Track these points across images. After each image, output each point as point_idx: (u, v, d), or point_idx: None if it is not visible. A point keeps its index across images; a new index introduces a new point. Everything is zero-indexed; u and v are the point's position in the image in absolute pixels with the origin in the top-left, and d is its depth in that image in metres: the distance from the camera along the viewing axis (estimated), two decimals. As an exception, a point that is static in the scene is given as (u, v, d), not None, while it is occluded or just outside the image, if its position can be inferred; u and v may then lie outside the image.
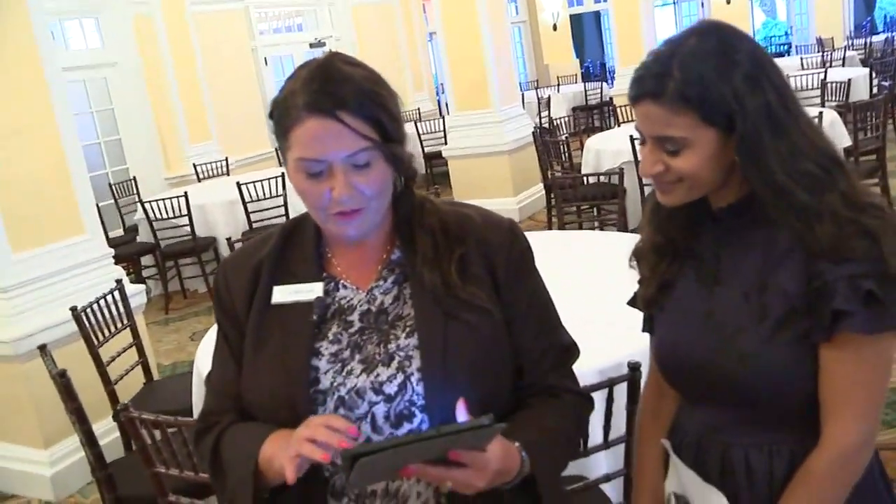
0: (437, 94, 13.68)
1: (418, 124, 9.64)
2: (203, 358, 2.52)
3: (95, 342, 3.11)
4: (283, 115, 1.11)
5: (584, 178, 5.09)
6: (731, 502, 1.18)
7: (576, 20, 17.52)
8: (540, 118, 10.52)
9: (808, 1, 15.92)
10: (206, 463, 1.23)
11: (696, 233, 1.25)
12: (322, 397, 1.14)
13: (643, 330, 1.37)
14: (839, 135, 5.61)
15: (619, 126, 8.19)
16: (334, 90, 1.08)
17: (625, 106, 7.81)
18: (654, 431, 1.37)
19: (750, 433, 1.20)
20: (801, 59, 11.24)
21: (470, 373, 1.13)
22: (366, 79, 1.12)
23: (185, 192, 6.18)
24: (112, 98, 8.33)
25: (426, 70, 13.31)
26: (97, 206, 4.46)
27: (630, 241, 1.39)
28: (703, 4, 18.61)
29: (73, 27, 8.41)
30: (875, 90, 9.09)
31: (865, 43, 13.72)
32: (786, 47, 16.25)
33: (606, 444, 1.76)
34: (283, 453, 1.05)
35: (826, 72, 8.68)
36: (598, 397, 1.71)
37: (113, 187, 7.58)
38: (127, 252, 6.42)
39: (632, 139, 5.35)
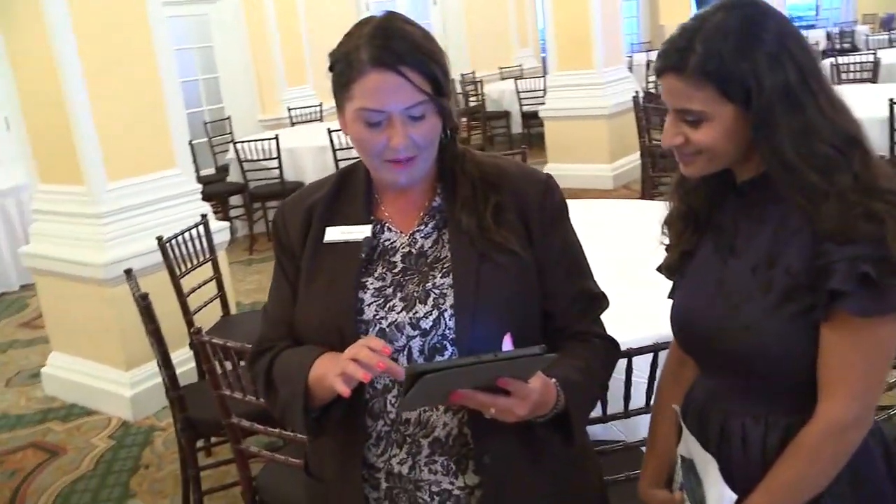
0: (543, 51, 13.36)
1: (518, 82, 9.44)
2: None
3: (178, 272, 3.20)
4: (346, 68, 1.19)
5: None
6: (727, 469, 1.22)
7: (698, -20, 16.75)
8: (647, 82, 10.15)
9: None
10: (260, 382, 1.34)
11: (719, 204, 1.29)
12: (365, 327, 1.25)
13: (668, 296, 1.40)
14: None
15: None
16: (396, 46, 1.17)
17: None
18: (670, 396, 1.42)
19: (748, 403, 1.24)
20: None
21: (499, 311, 1.21)
22: (423, 37, 1.21)
23: (277, 136, 6.26)
24: (212, 35, 8.46)
25: (532, 26, 12.98)
26: (191, 143, 4.56)
27: None
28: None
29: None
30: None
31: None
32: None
33: (648, 409, 1.77)
34: (332, 372, 1.14)
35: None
36: (644, 362, 1.77)
37: (207, 126, 7.75)
38: (216, 191, 6.57)
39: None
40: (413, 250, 1.30)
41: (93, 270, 3.62)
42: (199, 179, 5.58)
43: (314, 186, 1.40)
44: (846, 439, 1.15)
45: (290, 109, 8.31)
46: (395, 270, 1.28)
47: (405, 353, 1.23)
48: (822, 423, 1.14)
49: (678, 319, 1.33)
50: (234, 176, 6.78)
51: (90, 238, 3.66)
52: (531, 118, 8.84)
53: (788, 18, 1.19)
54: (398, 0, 10.99)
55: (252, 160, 6.35)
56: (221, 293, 3.53)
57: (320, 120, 8.24)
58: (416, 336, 1.23)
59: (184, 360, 3.50)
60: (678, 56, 1.16)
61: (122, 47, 3.68)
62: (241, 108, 8.51)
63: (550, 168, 7.46)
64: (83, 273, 3.68)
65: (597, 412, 1.77)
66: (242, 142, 6.47)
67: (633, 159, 7.04)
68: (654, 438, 1.45)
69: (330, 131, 6.15)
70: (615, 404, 1.81)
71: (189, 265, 3.31)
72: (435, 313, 1.23)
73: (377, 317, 1.25)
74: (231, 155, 6.69)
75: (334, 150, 6.14)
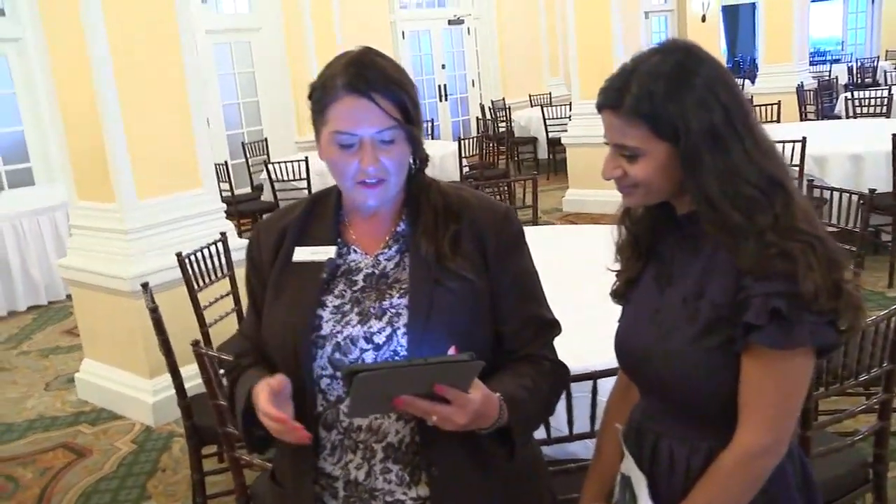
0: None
1: (545, 109, 9.63)
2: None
3: (196, 287, 3.40)
4: (323, 94, 1.28)
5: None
6: (656, 487, 1.27)
7: (731, 12, 16.83)
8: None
9: None
10: (227, 399, 1.45)
11: (661, 235, 1.34)
12: (322, 341, 1.31)
13: (618, 321, 1.44)
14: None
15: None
16: (369, 75, 1.26)
17: (766, 105, 7.51)
18: (615, 416, 1.46)
19: (676, 427, 1.29)
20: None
21: (449, 332, 1.26)
22: (394, 69, 1.30)
23: (306, 158, 6.52)
24: (254, 61, 8.84)
25: (564, 55, 13.10)
26: (228, 163, 4.81)
27: None
28: (873, 0, 17.45)
29: (226, -8, 8.96)
30: None
31: None
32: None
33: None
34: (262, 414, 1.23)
35: None
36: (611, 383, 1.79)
37: (245, 146, 8.06)
38: (249, 209, 6.85)
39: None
40: (376, 271, 1.36)
41: (120, 283, 3.86)
42: (235, 198, 5.87)
43: (288, 208, 1.47)
44: (757, 466, 1.19)
45: (324, 132, 8.57)
46: (355, 288, 1.34)
47: (359, 364, 1.28)
48: (737, 450, 1.19)
49: (618, 344, 1.39)
50: (267, 195, 7.06)
51: (119, 252, 3.91)
52: (557, 144, 9.02)
53: (721, 64, 1.24)
54: (433, 29, 11.28)
55: (283, 181, 6.60)
56: (238, 308, 3.72)
57: (353, 143, 8.47)
58: (369, 349, 1.29)
59: (198, 372, 3.69)
60: (615, 95, 1.22)
61: (155, 75, 3.94)
62: (279, 130, 8.85)
63: (572, 193, 7.62)
64: (112, 285, 3.92)
65: (565, 430, 1.86)
66: (275, 163, 6.73)
67: (652, 186, 7.15)
68: (598, 456, 1.51)
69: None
70: (583, 424, 1.87)
71: (208, 280, 3.50)
72: (388, 329, 1.29)
73: (334, 331, 1.30)
74: (265, 175, 6.96)
75: (361, 173, 6.36)
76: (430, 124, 9.97)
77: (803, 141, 5.01)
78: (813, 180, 4.47)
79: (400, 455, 1.30)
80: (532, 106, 11.23)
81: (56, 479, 3.51)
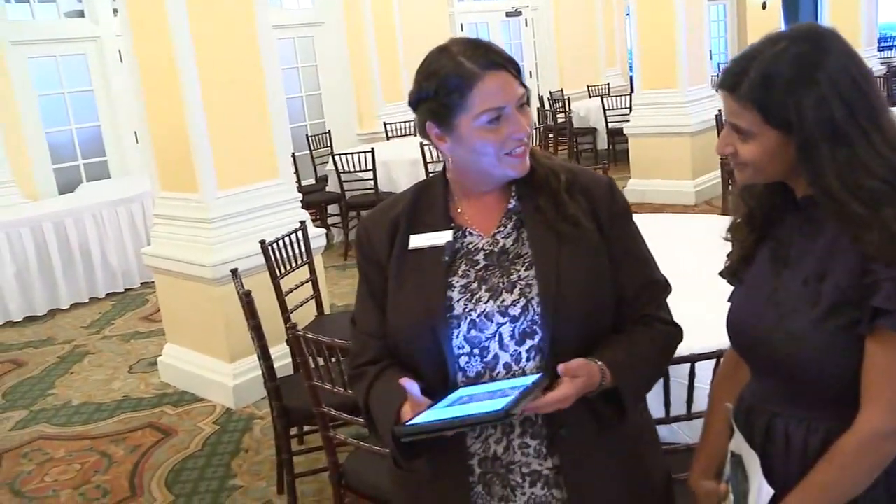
0: (630, 70, 13.45)
1: (605, 99, 9.60)
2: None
3: (278, 274, 3.52)
4: (461, 82, 1.31)
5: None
6: (769, 466, 1.27)
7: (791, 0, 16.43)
8: (733, 101, 10.11)
9: None
10: (361, 407, 1.44)
11: (780, 216, 1.35)
12: (456, 321, 1.34)
13: (728, 300, 1.45)
14: None
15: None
16: (494, 49, 1.34)
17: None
18: (724, 395, 1.47)
19: (793, 406, 1.29)
20: None
21: (579, 292, 1.32)
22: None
23: (372, 149, 6.62)
24: (316, 56, 9.00)
25: (621, 46, 13.09)
26: (294, 155, 4.94)
27: None
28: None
29: (289, -12, 9.13)
30: None
31: None
32: None
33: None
34: None
35: None
36: (708, 367, 1.86)
37: (309, 139, 8.22)
38: (316, 199, 6.99)
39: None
40: (495, 249, 1.39)
41: (202, 270, 4.01)
42: (300, 189, 5.99)
43: (393, 201, 1.49)
44: (883, 449, 1.18)
45: (385, 124, 8.70)
46: (478, 268, 1.37)
47: (496, 338, 1.32)
48: (860, 432, 1.18)
49: (732, 324, 1.39)
50: (332, 186, 7.19)
51: (201, 241, 4.06)
52: (616, 135, 9.02)
53: (852, 54, 1.22)
54: (491, 22, 11.30)
55: (349, 171, 6.73)
56: (316, 294, 3.85)
57: (414, 134, 8.54)
58: (505, 322, 1.32)
59: (280, 356, 3.79)
60: (733, 77, 1.23)
61: (235, 69, 4.08)
62: (341, 123, 8.99)
63: (634, 183, 7.60)
64: (194, 272, 4.08)
65: (660, 413, 1.88)
66: (341, 154, 6.86)
67: (715, 176, 7.09)
68: (707, 434, 1.51)
69: (422, 145, 6.46)
70: (679, 407, 1.92)
71: (288, 268, 3.62)
72: (522, 301, 1.32)
73: (466, 310, 1.34)
74: (330, 166, 7.09)
75: (426, 163, 6.45)
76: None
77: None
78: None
79: (537, 428, 1.35)
80: (590, 97, 11.20)
81: (146, 456, 3.68)
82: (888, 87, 9.03)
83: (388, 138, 8.58)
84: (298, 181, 7.01)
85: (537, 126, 10.23)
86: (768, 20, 15.72)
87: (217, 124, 4.01)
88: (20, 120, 7.04)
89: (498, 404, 1.15)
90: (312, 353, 2.25)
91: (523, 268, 1.36)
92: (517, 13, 11.73)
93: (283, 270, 3.58)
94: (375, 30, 8.98)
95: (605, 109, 9.44)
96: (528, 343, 1.32)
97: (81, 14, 7.70)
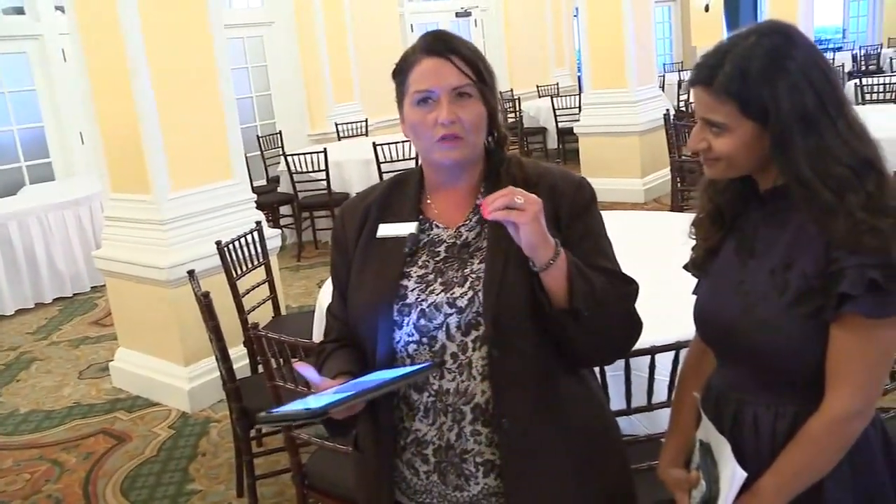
0: (579, 70, 13.64)
1: (554, 99, 9.71)
2: (325, 298, 2.82)
3: (234, 275, 3.49)
4: (404, 65, 1.41)
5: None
6: (739, 452, 1.31)
7: (732, 2, 16.85)
8: (678, 101, 10.34)
9: None
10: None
11: (744, 209, 1.39)
12: (408, 310, 1.39)
13: (693, 292, 1.50)
14: None
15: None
16: (444, 38, 1.40)
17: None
18: (691, 384, 1.51)
19: (761, 393, 1.34)
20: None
21: (522, 287, 1.32)
22: (469, 42, 1.44)
23: (325, 149, 6.59)
24: (266, 56, 8.92)
25: (569, 46, 13.27)
26: (245, 156, 4.88)
27: None
28: (874, -10, 17.52)
29: (237, -13, 9.03)
30: None
31: None
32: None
33: (670, 403, 1.86)
34: None
35: None
36: (667, 359, 1.91)
37: (260, 140, 8.14)
38: (267, 201, 6.92)
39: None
40: (457, 242, 1.43)
41: (156, 272, 3.95)
42: (252, 190, 5.94)
43: (370, 190, 1.56)
44: (849, 429, 1.23)
45: (337, 125, 8.66)
46: (438, 259, 1.42)
47: (443, 328, 1.36)
48: (828, 415, 1.23)
49: (700, 314, 1.42)
50: (284, 187, 7.13)
51: (154, 243, 3.99)
52: (567, 134, 9.13)
53: (816, 48, 1.27)
54: (441, 22, 11.34)
55: (301, 172, 6.68)
56: (273, 295, 3.82)
57: (366, 135, 8.58)
58: (452, 313, 1.36)
59: (237, 357, 3.74)
60: (708, 71, 1.26)
61: (188, 69, 4.03)
62: (292, 124, 8.91)
63: (586, 182, 7.68)
64: (148, 275, 4.01)
65: (621, 405, 1.93)
66: (293, 155, 6.81)
67: (664, 174, 7.28)
68: (675, 423, 1.53)
69: (375, 145, 6.46)
70: (639, 398, 1.97)
71: (244, 268, 3.59)
72: (470, 293, 1.36)
73: (419, 299, 1.38)
74: (282, 167, 7.03)
75: (378, 163, 6.45)
76: (439, 116, 10.01)
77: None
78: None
79: (488, 417, 1.36)
80: (539, 97, 11.32)
81: (99, 463, 3.61)
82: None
83: (339, 139, 8.54)
84: (250, 182, 6.93)
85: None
86: (711, 22, 16.16)
87: (170, 124, 3.95)
88: (-42, 121, 6.84)
89: (331, 398, 1.20)
90: (274, 353, 2.25)
91: (477, 261, 1.40)
92: (467, 14, 11.79)
93: (239, 271, 3.55)
94: (326, 30, 8.93)
95: (554, 109, 9.55)
96: (474, 333, 1.35)
97: (21, 11, 7.49)
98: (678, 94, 10.55)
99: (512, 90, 11.05)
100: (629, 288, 1.41)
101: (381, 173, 6.44)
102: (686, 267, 1.53)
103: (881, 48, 13.99)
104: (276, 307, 3.86)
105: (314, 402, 1.23)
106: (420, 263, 1.43)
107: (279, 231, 4.49)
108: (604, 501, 1.46)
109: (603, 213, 1.48)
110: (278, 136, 8.27)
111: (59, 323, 5.79)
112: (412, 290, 1.40)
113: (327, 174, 6.55)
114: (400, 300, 1.40)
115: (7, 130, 7.29)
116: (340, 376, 1.37)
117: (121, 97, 3.91)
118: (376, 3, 9.43)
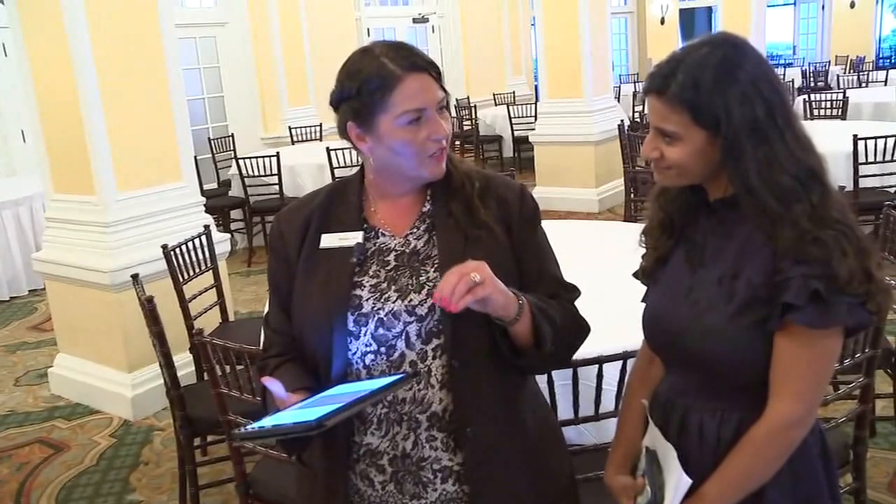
0: (536, 79, 13.72)
1: (511, 108, 9.74)
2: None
3: (181, 279, 3.40)
4: (382, 83, 1.32)
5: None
6: (685, 458, 1.33)
7: (687, 15, 17.19)
8: (633, 111, 10.46)
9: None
10: (260, 396, 1.47)
11: (694, 218, 1.41)
12: (365, 319, 1.37)
13: (642, 300, 1.51)
14: None
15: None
16: (417, 52, 1.36)
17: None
18: (639, 392, 1.53)
19: (706, 399, 1.36)
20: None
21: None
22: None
23: (278, 153, 6.50)
24: (220, 57, 8.76)
25: (526, 55, 13.34)
26: (195, 158, 4.78)
27: None
28: (823, 7, 17.98)
29: (191, -15, 8.87)
30: None
31: None
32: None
33: (617, 412, 1.86)
34: None
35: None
36: (614, 369, 1.91)
37: (212, 142, 7.99)
38: (218, 204, 6.80)
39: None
40: (406, 250, 1.41)
41: (100, 276, 3.83)
42: (203, 193, 5.82)
43: (308, 197, 1.51)
44: (790, 436, 1.27)
45: (291, 128, 8.55)
46: (388, 268, 1.40)
47: (402, 337, 1.35)
48: (770, 422, 1.26)
49: (649, 320, 1.45)
50: (235, 190, 7.01)
51: (98, 245, 3.88)
52: (522, 143, 9.17)
53: (765, 60, 1.31)
54: (398, 27, 11.31)
55: (253, 176, 6.57)
56: (221, 301, 3.74)
57: (320, 139, 8.48)
58: (412, 321, 1.35)
59: (183, 364, 3.65)
60: (662, 80, 1.28)
61: (136, 67, 3.92)
62: (244, 126, 8.77)
63: (539, 191, 7.74)
64: (90, 278, 3.89)
65: (569, 415, 1.94)
66: (245, 158, 6.70)
67: (618, 184, 7.34)
68: (622, 430, 1.55)
69: (329, 150, 6.38)
70: (587, 408, 1.96)
71: (191, 273, 3.50)
72: (429, 301, 1.35)
73: (375, 308, 1.36)
74: (233, 170, 6.91)
75: (332, 168, 6.38)
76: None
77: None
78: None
79: (444, 424, 1.36)
80: (496, 104, 11.35)
81: (34, 474, 3.48)
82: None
83: (293, 143, 8.44)
84: (200, 185, 6.79)
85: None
86: (666, 34, 16.44)
87: (116, 123, 3.84)
88: None
89: (320, 411, 1.15)
90: (219, 360, 2.20)
91: (432, 269, 1.39)
92: (424, 20, 11.77)
93: (186, 276, 3.46)
94: (281, 32, 8.82)
95: (510, 117, 9.58)
96: (434, 342, 1.35)
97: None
98: (633, 105, 10.68)
99: (468, 97, 11.07)
100: (575, 296, 1.47)
101: (334, 178, 6.35)
102: (636, 275, 1.54)
103: (829, 65, 14.38)
104: (223, 313, 3.77)
105: (296, 416, 1.18)
106: (371, 273, 1.40)
107: (228, 235, 4.40)
108: (556, 498, 1.49)
109: (554, 222, 1.52)
110: (230, 138, 8.14)
111: (-4, 327, 5.60)
112: (366, 300, 1.38)
113: (280, 178, 6.45)
114: (355, 310, 1.37)
115: (-55, 127, 7.05)
116: (298, 392, 1.33)
117: (64, 94, 3.79)
118: (333, 6, 9.35)
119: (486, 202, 1.41)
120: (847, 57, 15.24)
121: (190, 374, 3.57)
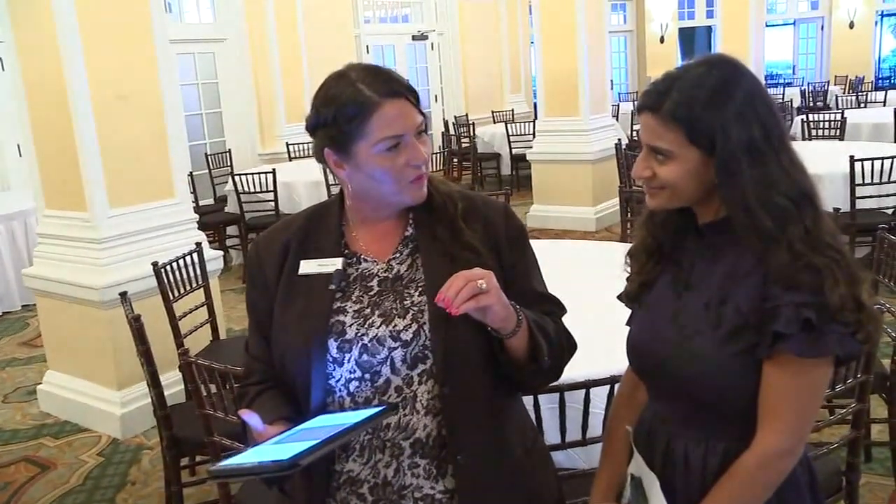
0: (534, 97, 13.74)
1: (509, 125, 9.75)
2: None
3: (171, 297, 3.37)
4: (360, 110, 1.29)
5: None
6: (670, 487, 1.31)
7: (686, 34, 17.25)
8: (632, 130, 10.45)
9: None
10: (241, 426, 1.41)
11: (681, 242, 1.39)
12: (348, 346, 1.34)
13: (626, 324, 1.49)
14: None
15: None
16: (396, 79, 1.33)
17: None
18: (624, 417, 1.50)
19: (692, 428, 1.34)
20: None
21: (468, 319, 1.27)
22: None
23: (273, 170, 6.48)
24: (218, 73, 8.78)
25: (525, 73, 13.37)
26: (192, 174, 4.79)
27: None
28: (822, 27, 18.06)
29: (189, 1, 8.88)
30: None
31: None
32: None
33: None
34: None
35: None
36: (602, 392, 1.88)
37: (209, 158, 7.98)
38: (214, 220, 6.79)
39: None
40: (389, 275, 1.39)
41: (90, 293, 3.80)
42: (198, 209, 5.82)
43: (286, 223, 1.48)
44: (779, 466, 1.25)
45: (288, 145, 8.55)
46: (372, 293, 1.37)
47: (387, 363, 1.32)
48: (760, 451, 1.24)
49: (633, 345, 1.42)
50: (231, 207, 6.98)
51: (89, 262, 3.85)
52: (520, 160, 9.15)
53: (760, 82, 1.30)
54: (397, 44, 11.34)
55: (249, 192, 6.56)
56: (212, 318, 3.71)
57: (317, 155, 8.46)
58: (397, 347, 1.32)
59: (173, 382, 3.64)
60: (656, 98, 1.27)
61: (131, 82, 3.91)
62: (242, 142, 8.78)
63: (536, 209, 7.73)
64: (81, 295, 3.86)
65: (556, 439, 1.91)
66: (241, 174, 6.68)
67: (615, 203, 7.27)
68: (606, 457, 1.53)
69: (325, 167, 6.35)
70: (574, 432, 1.93)
71: (182, 291, 3.48)
72: (414, 326, 1.33)
73: (359, 334, 1.33)
74: (230, 187, 6.89)
75: (328, 185, 6.36)
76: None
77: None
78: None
79: (427, 450, 1.33)
80: (494, 122, 11.36)
81: (19, 493, 3.43)
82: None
83: (290, 159, 8.43)
84: (196, 201, 6.79)
85: (442, 150, 10.29)
86: (666, 52, 16.49)
87: (109, 139, 3.82)
88: None
89: (295, 449, 1.10)
90: (205, 379, 2.17)
91: (416, 293, 1.37)
92: (423, 37, 11.80)
93: (177, 293, 3.44)
94: (280, 49, 8.85)
95: (508, 135, 9.57)
96: (420, 367, 1.32)
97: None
98: (632, 124, 10.67)
99: (467, 115, 11.08)
100: (562, 313, 1.47)
101: (329, 195, 6.33)
102: (620, 297, 1.52)
103: (828, 85, 14.42)
104: (214, 330, 3.74)
105: (272, 452, 1.14)
106: (354, 298, 1.38)
107: (221, 252, 4.37)
108: None
109: (544, 241, 1.50)
110: (228, 154, 8.13)
111: (-13, 343, 5.56)
112: (350, 326, 1.35)
113: (275, 195, 6.43)
114: (338, 336, 1.34)
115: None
116: (277, 423, 1.30)
117: (57, 109, 3.78)
118: (332, 23, 9.36)
119: (470, 224, 1.40)
120: (846, 77, 15.29)
121: (180, 392, 3.56)
